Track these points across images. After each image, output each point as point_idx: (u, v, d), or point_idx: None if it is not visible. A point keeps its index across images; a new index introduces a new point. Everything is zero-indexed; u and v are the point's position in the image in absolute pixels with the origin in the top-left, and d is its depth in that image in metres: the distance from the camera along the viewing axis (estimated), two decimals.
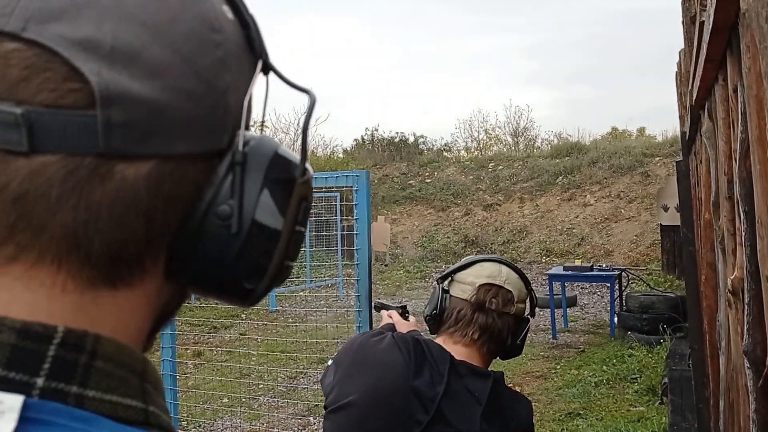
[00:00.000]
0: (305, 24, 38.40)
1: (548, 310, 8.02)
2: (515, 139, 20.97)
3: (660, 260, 10.95)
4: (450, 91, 36.78)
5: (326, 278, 11.80)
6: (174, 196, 0.38)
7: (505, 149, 20.03)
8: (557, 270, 8.42)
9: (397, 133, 20.20)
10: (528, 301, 1.53)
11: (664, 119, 37.82)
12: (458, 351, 1.41)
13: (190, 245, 0.40)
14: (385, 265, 13.32)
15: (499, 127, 21.37)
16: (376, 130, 20.60)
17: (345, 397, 1.33)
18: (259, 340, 7.01)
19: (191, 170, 0.38)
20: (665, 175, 13.35)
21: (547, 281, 8.34)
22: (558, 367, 6.61)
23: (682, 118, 3.36)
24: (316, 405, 5.42)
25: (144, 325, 0.41)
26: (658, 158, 14.37)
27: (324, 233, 11.26)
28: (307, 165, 0.43)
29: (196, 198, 0.39)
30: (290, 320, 8.72)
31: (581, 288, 10.42)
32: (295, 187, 0.42)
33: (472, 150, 20.84)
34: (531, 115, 22.08)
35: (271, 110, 31.12)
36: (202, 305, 9.24)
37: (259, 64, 0.42)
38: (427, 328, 1.54)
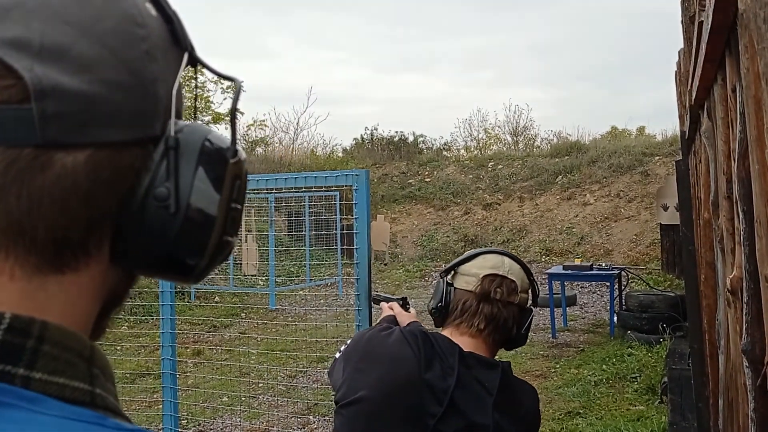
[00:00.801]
0: (305, 20, 38.40)
1: (548, 309, 8.02)
2: (515, 139, 20.98)
3: (659, 259, 10.95)
4: (449, 90, 36.80)
5: (326, 277, 11.80)
6: (112, 181, 0.40)
7: (504, 148, 20.03)
8: (557, 269, 8.42)
9: (396, 132, 20.20)
10: (530, 291, 1.54)
11: (663, 118, 37.84)
12: (465, 342, 1.43)
13: (132, 228, 0.42)
14: (385, 264, 13.33)
15: (499, 127, 21.39)
16: (376, 129, 20.61)
17: (356, 391, 1.34)
18: (258, 338, 7.02)
19: (127, 156, 0.41)
20: (665, 174, 13.35)
21: (547, 280, 8.34)
22: (557, 366, 6.62)
23: (681, 117, 3.37)
24: (316, 404, 5.42)
25: (91, 310, 0.43)
26: (657, 157, 14.37)
27: (324, 232, 11.26)
28: (238, 147, 0.46)
29: (134, 182, 0.41)
30: (290, 319, 8.73)
31: (581, 287, 10.43)
32: (228, 168, 0.45)
33: (472, 149, 20.85)
34: (531, 114, 22.16)
35: (270, 109, 31.13)
36: (202, 304, 9.25)
37: (185, 57, 0.45)
38: (432, 321, 1.55)
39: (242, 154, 0.47)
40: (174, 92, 0.43)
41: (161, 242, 0.43)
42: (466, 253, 1.57)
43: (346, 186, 2.92)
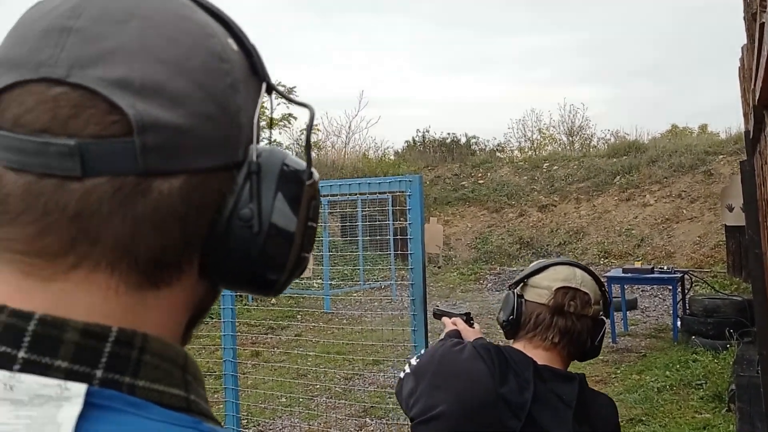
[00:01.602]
0: (355, 24, 38.67)
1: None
2: (570, 139, 20.59)
3: (725, 262, 10.55)
4: (502, 90, 36.40)
5: (379, 280, 11.84)
6: (202, 204, 0.44)
7: (560, 149, 19.69)
8: (616, 272, 8.22)
9: (448, 133, 20.13)
10: (602, 302, 1.52)
11: (727, 116, 36.48)
12: (539, 355, 1.42)
13: (219, 246, 0.45)
14: (438, 267, 13.28)
15: (554, 127, 21.03)
16: (428, 131, 20.58)
17: (433, 408, 1.35)
18: (314, 341, 7.10)
19: (215, 181, 0.44)
20: (729, 173, 12.84)
21: (606, 284, 8.13)
22: (618, 371, 6.46)
23: (746, 115, 3.24)
24: (372, 406, 5.45)
25: (182, 320, 0.47)
26: (721, 156, 13.87)
27: (378, 236, 11.31)
28: (313, 170, 0.49)
29: (221, 205, 0.45)
30: (344, 322, 8.80)
31: (641, 291, 10.15)
32: (304, 189, 0.48)
33: (526, 150, 20.57)
34: (586, 114, 21.63)
35: (322, 113, 31.49)
36: (259, 307, 9.41)
37: (263, 86, 0.48)
38: (503, 333, 1.55)
39: (316, 176, 0.50)
40: (255, 120, 0.46)
41: (245, 259, 0.46)
42: (535, 265, 1.55)
43: (399, 190, 2.92)
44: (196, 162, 0.42)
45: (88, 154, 0.39)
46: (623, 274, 7.87)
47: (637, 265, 8.52)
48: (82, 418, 0.37)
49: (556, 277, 1.48)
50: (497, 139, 21.37)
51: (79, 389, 0.38)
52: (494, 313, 9.20)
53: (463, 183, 16.43)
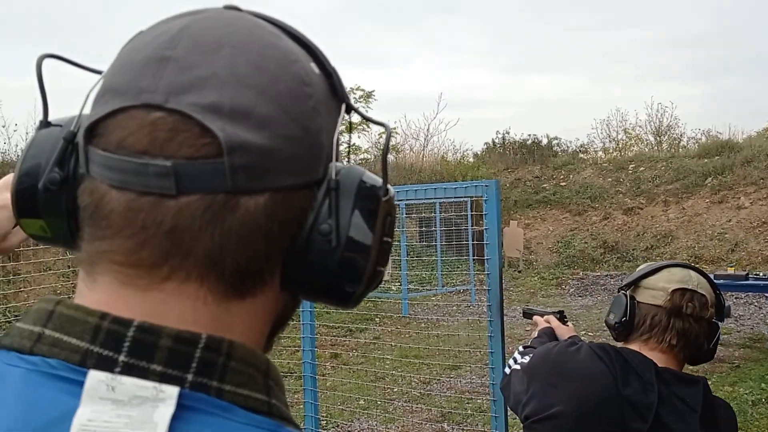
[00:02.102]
0: (432, 26, 38.61)
1: None
2: (658, 139, 19.78)
3: None
4: (585, 89, 35.41)
5: (457, 284, 11.77)
6: (285, 219, 0.46)
7: (646, 149, 18.96)
8: None
9: (529, 135, 19.72)
10: (716, 305, 1.50)
11: None
12: (656, 357, 1.42)
13: (300, 258, 0.47)
14: (519, 272, 13.07)
15: (640, 126, 20.26)
16: (507, 132, 20.27)
17: (549, 408, 1.37)
18: (392, 344, 7.14)
19: (296, 198, 0.47)
20: None
21: None
22: (709, 382, 6.15)
23: None
24: (450, 412, 5.42)
25: (265, 329, 0.50)
26: None
27: (455, 239, 11.25)
28: (389, 186, 0.51)
29: (301, 220, 0.47)
30: (422, 326, 8.80)
31: (735, 298, 9.63)
32: (380, 205, 0.49)
33: (611, 151, 19.92)
34: (675, 112, 20.67)
35: (400, 117, 31.61)
36: (338, 309, 9.55)
37: (343, 107, 0.50)
38: (614, 335, 1.54)
39: (392, 192, 0.51)
40: (335, 140, 0.49)
41: (324, 271, 0.48)
42: (647, 267, 1.54)
43: (475, 196, 2.91)
44: (280, 180, 0.45)
45: (182, 174, 0.42)
46: (715, 281, 7.48)
47: (731, 271, 8.09)
48: (175, 418, 0.40)
49: (672, 278, 1.46)
50: (580, 139, 20.87)
51: (172, 392, 0.41)
52: (577, 319, 8.97)
53: (545, 185, 16.09)
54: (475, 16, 37.41)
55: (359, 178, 0.49)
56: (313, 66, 0.49)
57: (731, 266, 9.57)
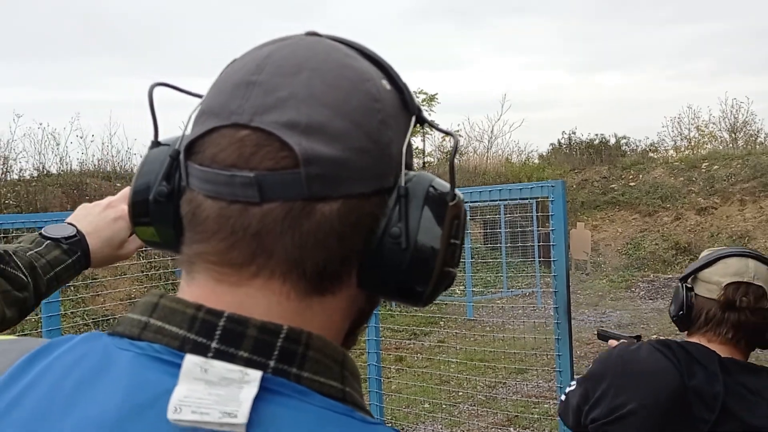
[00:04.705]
0: (496, 26, 38.20)
1: None
2: (733, 135, 18.97)
3: None
4: (654, 86, 34.27)
5: (523, 287, 11.61)
6: (358, 224, 0.50)
7: (720, 147, 18.20)
8: None
9: (596, 134, 19.29)
10: None
11: None
12: (717, 349, 1.41)
13: (373, 260, 0.52)
14: (586, 274, 12.77)
15: (714, 123, 19.47)
16: (574, 132, 19.86)
17: (621, 407, 1.38)
18: (457, 347, 7.10)
19: (369, 204, 0.51)
20: None
21: None
22: None
23: None
24: (516, 416, 5.36)
25: (343, 325, 0.54)
26: None
27: (520, 242, 11.09)
28: (457, 191, 0.54)
29: (373, 225, 0.52)
30: (487, 329, 8.72)
31: None
32: (447, 209, 0.53)
33: (682, 149, 19.23)
34: (752, 108, 19.72)
35: (464, 119, 31.35)
36: (402, 312, 9.59)
37: (413, 119, 0.55)
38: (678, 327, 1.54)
39: (460, 197, 0.55)
40: (404, 150, 0.53)
41: (395, 272, 0.52)
42: (705, 256, 1.52)
43: (541, 196, 2.88)
44: (352, 188, 0.50)
45: (264, 184, 0.48)
46: None
47: None
48: (258, 399, 0.45)
49: (727, 271, 1.44)
50: (650, 138, 20.21)
51: (256, 375, 0.46)
52: (648, 322, 8.70)
53: (613, 186, 15.67)
54: (542, 16, 36.90)
55: (428, 185, 0.53)
56: (385, 83, 0.54)
57: None
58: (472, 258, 10.13)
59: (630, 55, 36.41)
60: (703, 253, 1.54)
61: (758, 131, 18.92)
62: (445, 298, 10.83)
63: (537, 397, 5.82)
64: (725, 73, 33.50)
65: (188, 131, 0.53)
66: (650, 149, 19.36)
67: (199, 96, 0.55)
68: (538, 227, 10.28)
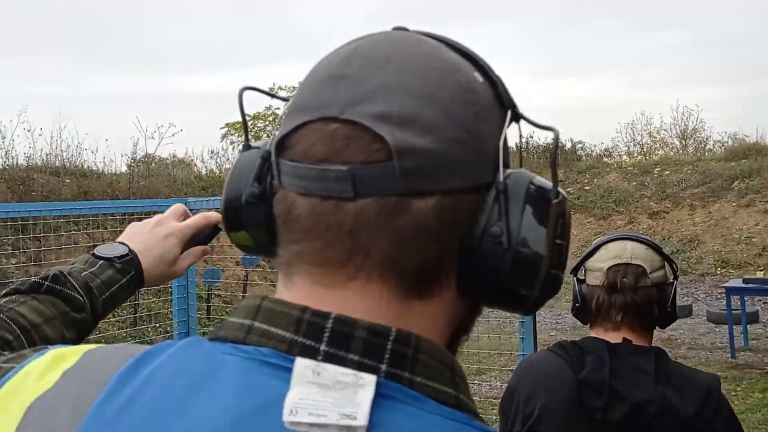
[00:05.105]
0: (460, 31, 38.33)
1: (725, 326, 7.35)
2: (683, 142, 19.54)
3: None
4: (610, 94, 35.09)
5: None
6: (454, 221, 0.48)
7: (672, 153, 18.72)
8: (735, 283, 7.71)
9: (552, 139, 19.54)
10: (666, 266, 1.51)
11: None
12: (613, 336, 1.45)
13: (472, 261, 0.49)
14: None
15: (665, 130, 20.03)
16: (531, 136, 20.12)
17: (530, 416, 1.40)
18: None
19: (465, 200, 0.48)
20: None
21: (724, 295, 7.66)
22: (738, 389, 6.04)
23: None
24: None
25: (444, 330, 0.51)
26: None
27: None
28: (560, 189, 0.51)
29: (471, 223, 0.49)
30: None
31: (763, 303, 9.45)
32: (551, 207, 0.50)
33: (635, 155, 19.71)
34: (701, 116, 20.41)
35: None
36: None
37: (509, 114, 0.52)
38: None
39: (563, 194, 0.52)
40: (501, 145, 0.50)
41: (497, 274, 0.49)
42: (592, 246, 1.57)
43: None
44: (448, 183, 0.47)
45: (358, 178, 0.46)
46: (744, 285, 7.37)
47: (759, 275, 7.94)
48: (373, 404, 0.43)
49: (607, 256, 1.49)
50: (604, 143, 20.68)
51: (370, 379, 0.43)
52: None
53: (569, 189, 15.93)
54: (504, 22, 37.32)
55: (528, 181, 0.50)
56: (477, 75, 0.52)
57: (760, 270, 9.40)
58: None
59: (588, 63, 37.19)
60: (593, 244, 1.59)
61: (707, 138, 19.56)
62: None
63: (495, 398, 5.86)
64: (678, 82, 34.54)
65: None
66: (605, 154, 19.80)
67: (286, 99, 0.55)
68: None
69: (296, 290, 0.49)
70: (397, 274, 0.47)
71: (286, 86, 19.46)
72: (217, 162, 15.68)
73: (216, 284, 8.79)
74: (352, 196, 0.46)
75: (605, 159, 19.02)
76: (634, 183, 15.14)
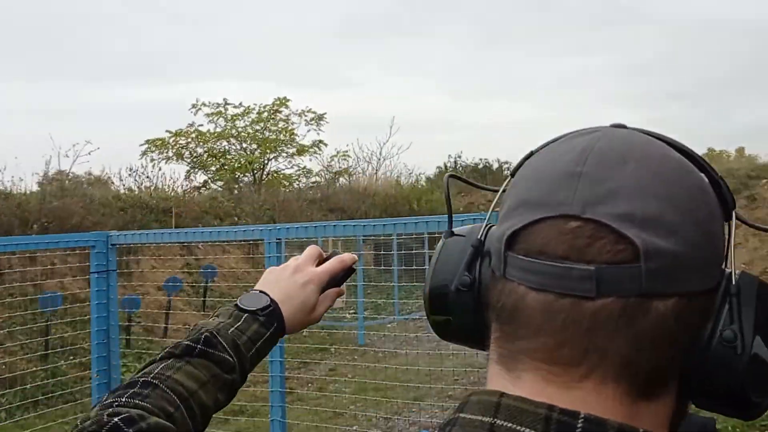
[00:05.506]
0: (388, 49, 38.78)
1: None
2: None
3: None
4: (536, 114, 36.14)
5: (414, 310, 11.55)
6: (689, 324, 0.47)
7: None
8: None
9: (481, 159, 19.87)
10: None
11: (766, 139, 35.67)
12: None
13: (700, 364, 0.48)
14: None
15: None
16: (459, 156, 20.37)
17: None
18: (349, 377, 6.84)
19: (699, 303, 0.48)
20: None
21: None
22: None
23: None
24: None
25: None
26: (765, 180, 13.49)
27: (414, 266, 11.02)
28: None
29: (701, 325, 0.48)
30: (380, 356, 8.53)
31: None
32: None
33: None
34: None
35: (353, 140, 31.54)
36: (290, 338, 9.21)
37: (734, 214, 0.52)
38: None
39: None
40: (730, 245, 0.51)
41: (728, 379, 0.48)
42: None
43: (438, 231, 2.71)
44: (686, 285, 0.47)
45: (602, 278, 0.45)
46: None
47: None
48: None
49: None
50: None
51: None
52: None
53: (497, 210, 16.10)
54: (430, 40, 37.84)
55: (758, 283, 0.50)
56: (703, 176, 0.52)
57: None
58: (363, 282, 9.94)
59: (513, 83, 38.24)
60: None
61: None
62: (336, 323, 10.55)
63: (434, 427, 5.66)
64: (597, 104, 35.97)
65: (494, 222, 0.55)
66: None
67: (492, 189, 0.60)
68: (430, 248, 10.27)
69: (527, 387, 0.48)
70: (631, 375, 0.47)
71: (210, 102, 18.91)
72: (136, 180, 14.90)
73: (135, 312, 8.26)
74: (594, 295, 0.46)
75: None
76: None
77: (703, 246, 0.47)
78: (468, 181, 0.66)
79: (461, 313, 0.55)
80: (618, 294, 0.45)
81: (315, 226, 3.03)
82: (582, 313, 0.45)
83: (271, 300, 0.92)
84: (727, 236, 0.51)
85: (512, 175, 0.55)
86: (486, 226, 0.56)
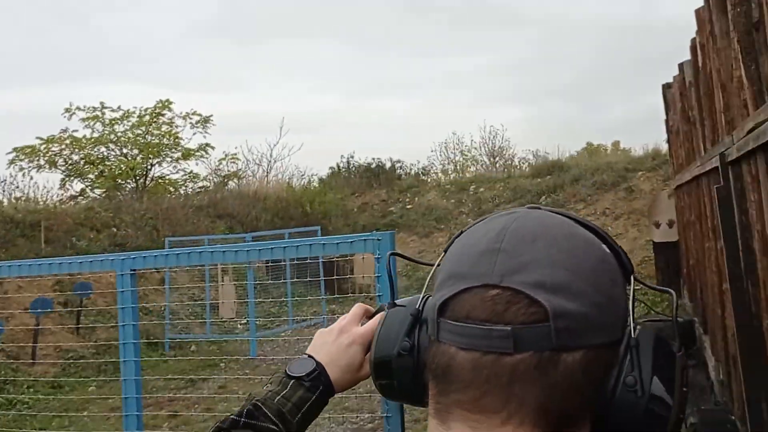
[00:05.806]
0: (276, 50, 38.05)
1: None
2: (492, 160, 20.68)
3: (655, 278, 10.58)
4: (425, 113, 36.61)
5: (308, 317, 11.19)
6: (594, 372, 0.56)
7: (483, 170, 19.71)
8: None
9: (373, 159, 19.72)
10: None
11: (637, 132, 38.08)
12: None
13: (608, 407, 0.58)
14: (371, 299, 12.77)
15: (475, 148, 21.08)
16: (352, 156, 20.13)
17: None
18: (241, 394, 6.41)
19: (603, 354, 0.57)
20: (650, 190, 13.11)
21: None
22: None
23: (718, 135, 2.93)
24: None
25: None
26: (640, 173, 14.19)
27: (307, 270, 10.67)
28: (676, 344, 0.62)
29: (606, 373, 0.58)
30: (273, 368, 8.12)
31: None
32: (676, 360, 0.62)
33: (449, 173, 20.49)
34: (506, 134, 21.78)
35: (242, 142, 30.63)
36: (177, 356, 8.60)
37: (632, 278, 0.63)
38: None
39: (682, 349, 0.63)
40: (630, 305, 0.61)
41: (631, 420, 0.59)
42: None
43: (364, 252, 2.37)
44: (592, 339, 0.56)
45: (518, 336, 0.54)
46: None
47: None
48: None
49: None
50: (421, 162, 21.19)
51: None
52: None
53: (391, 209, 16.05)
54: (317, 41, 37.40)
55: (654, 337, 0.61)
56: (604, 246, 0.62)
57: None
58: (254, 288, 9.48)
59: (402, 83, 38.53)
60: None
61: (513, 156, 20.86)
62: (226, 336, 10.01)
63: None
64: (483, 102, 36.98)
65: (429, 294, 0.66)
66: (422, 172, 20.32)
67: (429, 264, 0.71)
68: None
69: None
70: (545, 419, 0.54)
71: (85, 107, 17.63)
72: (3, 190, 13.59)
73: None
74: (512, 351, 0.55)
75: (423, 177, 19.50)
76: (452, 200, 15.61)
77: (605, 307, 0.57)
78: (409, 258, 0.86)
79: (403, 374, 0.70)
80: (534, 350, 0.54)
81: (177, 254, 2.53)
82: (503, 367, 0.55)
83: (317, 363, 0.96)
84: (628, 296, 0.61)
85: (445, 251, 0.64)
86: (423, 297, 0.68)
